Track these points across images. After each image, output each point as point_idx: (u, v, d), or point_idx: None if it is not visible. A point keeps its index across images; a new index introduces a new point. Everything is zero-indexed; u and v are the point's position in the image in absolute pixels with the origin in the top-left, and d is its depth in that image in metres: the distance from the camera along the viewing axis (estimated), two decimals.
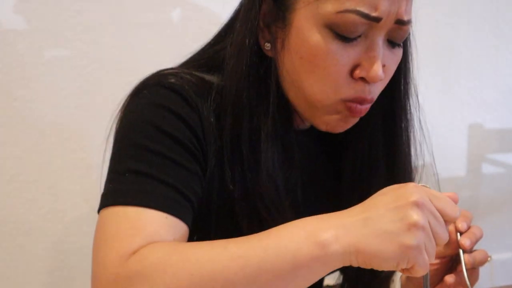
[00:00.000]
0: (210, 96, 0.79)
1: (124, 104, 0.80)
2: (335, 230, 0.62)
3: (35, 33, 1.33)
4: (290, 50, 0.76)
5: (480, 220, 1.99)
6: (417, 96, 0.92)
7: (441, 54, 1.87)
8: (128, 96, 0.80)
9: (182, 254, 0.64)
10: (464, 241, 0.79)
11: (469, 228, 0.82)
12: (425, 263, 0.61)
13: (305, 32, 0.74)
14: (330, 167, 0.93)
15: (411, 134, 0.91)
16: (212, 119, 0.78)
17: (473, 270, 0.81)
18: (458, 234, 0.80)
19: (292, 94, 0.79)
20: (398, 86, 0.87)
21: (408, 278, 0.89)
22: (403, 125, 0.89)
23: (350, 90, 0.75)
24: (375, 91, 0.77)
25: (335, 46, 0.73)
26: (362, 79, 0.75)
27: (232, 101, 0.78)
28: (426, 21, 1.82)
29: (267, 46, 0.78)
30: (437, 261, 0.84)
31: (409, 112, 0.90)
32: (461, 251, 0.80)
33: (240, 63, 0.78)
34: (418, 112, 0.91)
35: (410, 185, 0.64)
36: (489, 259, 0.82)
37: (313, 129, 0.87)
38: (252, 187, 0.78)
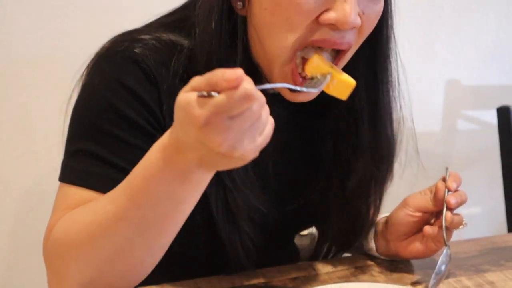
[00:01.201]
0: (178, 61, 0.78)
1: (87, 69, 0.80)
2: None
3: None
4: (255, 4, 0.74)
5: None
6: (399, 55, 0.90)
7: (422, 10, 1.86)
8: (91, 61, 0.79)
9: (77, 224, 0.69)
10: (451, 198, 0.82)
11: (457, 190, 0.83)
12: (250, 148, 0.57)
13: None
14: (306, 134, 0.91)
15: (393, 98, 0.89)
16: (177, 85, 0.76)
17: (448, 230, 0.83)
18: (446, 190, 0.83)
19: (256, 51, 0.78)
20: (380, 45, 0.84)
21: (381, 233, 0.90)
22: (385, 88, 0.87)
23: (314, 35, 0.72)
24: (349, 39, 0.73)
25: None
26: (331, 25, 0.71)
27: (202, 62, 0.76)
28: None
29: (239, 5, 0.75)
30: (419, 214, 0.86)
31: (390, 74, 0.87)
32: (445, 207, 0.82)
33: (210, 23, 0.76)
34: (398, 73, 0.89)
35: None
36: (462, 225, 0.85)
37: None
38: None
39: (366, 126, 0.86)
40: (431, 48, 1.90)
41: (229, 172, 0.77)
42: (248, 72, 0.73)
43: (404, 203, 0.87)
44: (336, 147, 0.88)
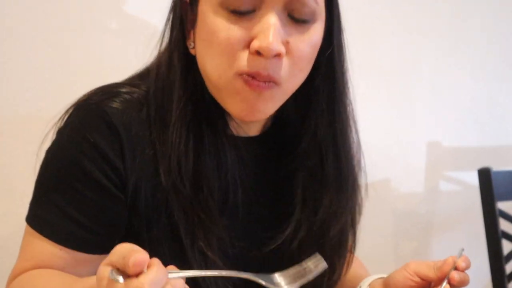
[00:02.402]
0: (141, 111, 0.83)
1: (64, 114, 0.85)
2: None
3: (2, 34, 1.31)
4: (198, 38, 0.80)
5: (435, 236, 2.03)
6: (352, 88, 0.94)
7: (402, 72, 1.90)
8: (70, 108, 0.84)
9: None
10: (455, 275, 0.82)
11: (463, 271, 0.83)
12: None
13: (205, 17, 0.77)
14: (276, 173, 0.93)
15: (352, 135, 0.93)
16: (140, 136, 0.82)
17: None
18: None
19: (208, 86, 0.82)
20: (335, 81, 0.88)
21: None
22: (344, 124, 0.90)
23: (244, 62, 0.76)
24: (276, 68, 0.76)
25: (228, 22, 0.75)
26: (259, 53, 0.74)
27: (161, 104, 0.82)
28: (388, 38, 1.86)
29: (191, 44, 0.82)
30: (418, 279, 0.86)
31: (347, 109, 0.91)
32: (445, 281, 0.81)
33: (166, 66, 0.83)
34: (353, 112, 0.93)
35: None
36: None
37: (262, 137, 0.91)
38: (177, 184, 0.81)
39: (330, 160, 0.89)
40: (412, 110, 1.94)
41: (190, 200, 0.80)
42: (206, 107, 0.82)
43: (406, 266, 0.88)
44: (304, 184, 0.90)
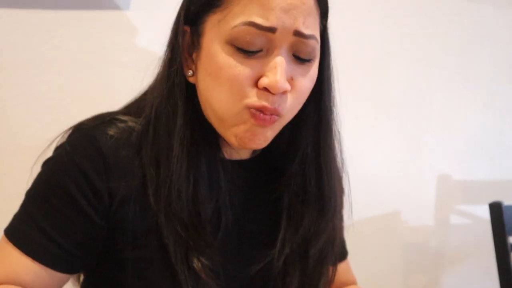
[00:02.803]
0: (132, 136, 0.86)
1: (60, 138, 0.88)
2: None
3: (12, 64, 1.32)
4: (202, 71, 0.83)
5: (446, 270, 2.01)
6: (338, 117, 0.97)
7: (411, 104, 1.90)
8: (65, 133, 0.88)
9: None
10: None
11: None
12: None
13: (212, 51, 0.81)
14: (269, 195, 0.96)
15: (337, 158, 0.97)
16: (131, 157, 0.85)
17: None
18: None
19: (210, 115, 0.85)
20: (323, 112, 0.92)
21: None
22: (330, 150, 0.94)
23: (253, 97, 0.80)
24: (281, 103, 0.81)
25: (237, 60, 0.79)
26: (267, 89, 0.79)
27: (159, 130, 0.85)
28: (397, 70, 1.86)
29: (190, 73, 0.85)
30: None
31: (333, 135, 0.95)
32: None
33: (162, 88, 0.86)
34: (339, 140, 0.97)
35: None
36: None
37: (252, 161, 0.95)
38: (172, 209, 0.83)
39: (313, 183, 0.93)
40: (421, 142, 1.93)
41: (183, 222, 0.83)
42: (202, 133, 0.85)
43: None
44: (289, 205, 0.94)
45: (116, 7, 1.39)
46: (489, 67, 2.03)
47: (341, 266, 1.10)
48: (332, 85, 0.93)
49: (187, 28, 0.85)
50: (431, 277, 1.99)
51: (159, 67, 0.90)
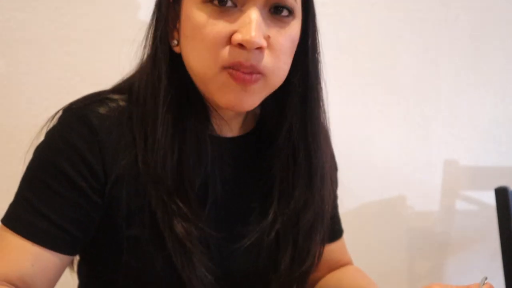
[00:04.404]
0: (124, 114, 0.87)
1: (51, 119, 0.88)
2: None
3: (20, 42, 1.33)
4: (182, 36, 0.83)
5: (451, 256, 2.01)
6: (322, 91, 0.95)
7: (420, 89, 1.89)
8: (56, 114, 0.88)
9: None
10: None
11: None
12: None
13: (189, 13, 0.81)
14: (259, 170, 0.96)
15: (326, 128, 0.97)
16: (124, 135, 0.85)
17: None
18: None
19: (195, 81, 0.85)
20: (309, 80, 0.91)
21: None
22: (318, 117, 0.94)
23: (227, 55, 0.79)
24: (258, 59, 0.80)
25: (212, 17, 0.79)
26: (241, 46, 0.78)
27: (146, 102, 0.85)
28: (407, 56, 1.86)
29: (174, 42, 0.85)
30: None
31: (320, 105, 0.94)
32: None
33: (149, 60, 0.86)
34: (325, 109, 0.96)
35: None
36: None
37: (243, 137, 0.95)
38: (157, 175, 0.84)
39: (301, 154, 0.93)
40: (429, 128, 1.93)
41: (169, 190, 0.84)
42: (191, 105, 0.86)
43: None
44: (280, 178, 0.94)
45: None
46: (500, 55, 2.02)
47: (337, 245, 1.10)
48: (318, 51, 0.91)
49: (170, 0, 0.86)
50: (436, 263, 1.99)
51: (145, 42, 0.89)
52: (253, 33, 0.77)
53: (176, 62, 0.85)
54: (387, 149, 1.86)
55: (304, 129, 0.92)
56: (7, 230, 0.82)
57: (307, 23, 0.87)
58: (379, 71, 1.81)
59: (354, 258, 1.16)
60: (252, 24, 0.77)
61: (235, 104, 0.83)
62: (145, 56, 0.89)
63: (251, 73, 0.80)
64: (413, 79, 1.87)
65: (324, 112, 0.95)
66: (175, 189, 0.84)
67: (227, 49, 0.79)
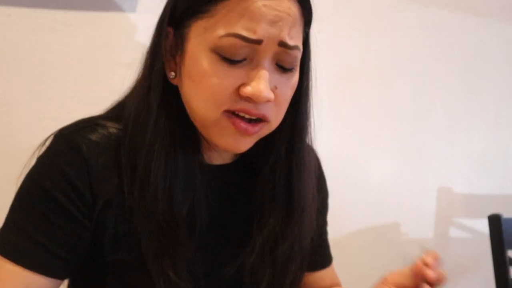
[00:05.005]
0: (112, 140, 0.87)
1: (43, 143, 0.88)
2: None
3: (19, 62, 1.34)
4: (185, 75, 0.83)
5: (445, 283, 2.00)
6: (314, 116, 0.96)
7: (415, 116, 1.91)
8: (47, 139, 0.88)
9: None
10: (430, 272, 0.84)
11: (435, 267, 0.86)
12: None
13: (195, 57, 0.81)
14: (244, 198, 0.96)
15: (309, 164, 0.97)
16: (111, 161, 0.85)
17: None
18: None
19: (193, 118, 0.86)
20: (299, 114, 0.92)
21: None
22: (302, 154, 0.94)
23: (232, 103, 0.80)
24: (264, 108, 0.82)
25: (220, 68, 0.79)
26: (249, 98, 0.79)
27: (137, 130, 0.85)
28: (402, 82, 1.87)
29: (172, 74, 0.85)
30: None
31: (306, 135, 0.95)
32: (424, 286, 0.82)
33: (142, 89, 0.86)
34: (312, 146, 0.97)
35: None
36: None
37: (231, 165, 0.95)
38: (146, 203, 0.84)
39: (282, 183, 0.93)
40: (424, 155, 1.94)
41: (157, 219, 0.84)
42: (186, 137, 0.86)
43: (383, 280, 0.91)
44: (261, 204, 0.95)
45: (123, 10, 1.40)
46: (493, 82, 2.04)
47: (327, 272, 1.10)
48: (310, 91, 0.92)
49: (171, 30, 0.85)
50: None
51: (140, 68, 0.90)
52: (262, 87, 0.79)
53: (170, 92, 0.86)
54: (382, 176, 1.87)
55: (288, 161, 0.93)
56: (1, 257, 0.82)
57: (304, 64, 0.89)
58: (375, 99, 1.83)
59: (347, 285, 1.16)
60: (262, 79, 0.79)
61: (233, 148, 0.84)
62: (139, 80, 0.90)
63: (255, 123, 0.82)
64: (408, 107, 1.89)
65: (311, 142, 0.96)
66: (164, 221, 0.84)
67: (233, 99, 0.80)
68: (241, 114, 0.81)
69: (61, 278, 0.85)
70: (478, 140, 2.02)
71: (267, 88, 0.79)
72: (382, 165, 1.86)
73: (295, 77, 0.86)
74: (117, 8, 1.40)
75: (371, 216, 1.86)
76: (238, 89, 0.80)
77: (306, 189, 0.96)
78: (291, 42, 0.81)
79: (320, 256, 1.08)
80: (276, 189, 0.93)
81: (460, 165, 2.00)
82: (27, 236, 0.82)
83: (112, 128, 0.88)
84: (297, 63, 0.84)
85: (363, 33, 1.77)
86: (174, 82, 0.86)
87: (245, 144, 0.84)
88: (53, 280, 0.83)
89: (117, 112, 0.92)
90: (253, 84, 0.79)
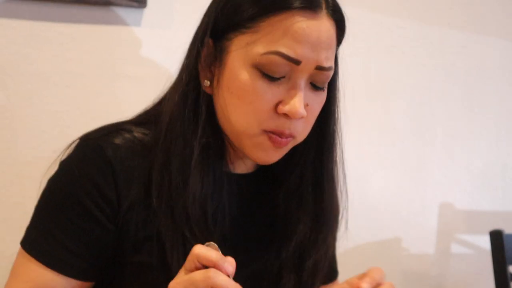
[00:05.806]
0: (138, 145, 0.90)
1: (67, 149, 0.91)
2: None
3: (23, 75, 1.35)
4: (223, 87, 0.86)
5: None
6: (340, 140, 1.01)
7: (415, 132, 1.91)
8: (71, 144, 0.91)
9: None
10: (363, 284, 0.80)
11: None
12: None
13: (236, 71, 0.84)
14: (266, 209, 0.99)
15: (336, 176, 1.01)
16: (137, 165, 0.88)
17: None
18: None
19: (226, 128, 0.89)
20: (327, 129, 0.96)
21: None
22: (330, 167, 0.98)
23: (272, 123, 0.84)
24: (296, 127, 0.86)
25: (261, 84, 0.83)
26: (285, 115, 0.84)
27: (166, 128, 0.88)
28: (403, 99, 1.87)
29: (206, 83, 0.88)
30: None
31: (335, 155, 0.99)
32: None
33: (179, 96, 0.88)
34: (342, 159, 1.02)
35: None
36: None
37: (254, 174, 0.98)
38: (178, 207, 0.86)
39: (310, 191, 0.96)
40: (425, 171, 1.93)
41: (188, 222, 0.86)
42: (216, 144, 0.89)
43: None
44: (286, 211, 0.97)
45: (127, 24, 1.42)
46: (494, 99, 2.04)
47: (333, 286, 1.11)
48: (338, 107, 0.97)
49: (210, 41, 0.88)
50: None
51: (177, 76, 0.92)
52: (298, 105, 0.83)
53: (204, 101, 0.89)
54: (382, 191, 1.87)
55: (316, 174, 0.97)
56: (31, 258, 0.86)
57: (333, 80, 0.93)
58: (375, 113, 1.83)
59: None
60: (298, 97, 0.83)
61: (264, 161, 0.88)
62: (173, 86, 0.92)
63: (287, 138, 0.86)
64: (409, 122, 1.89)
65: (342, 162, 1.01)
66: (196, 225, 0.87)
67: (272, 116, 0.84)
68: (277, 134, 0.85)
69: (92, 280, 0.89)
70: (479, 156, 2.02)
71: (302, 106, 0.83)
72: (383, 181, 1.86)
73: (324, 94, 0.90)
74: (122, 22, 1.41)
75: (372, 232, 1.86)
76: (276, 105, 0.84)
77: (333, 202, 0.99)
78: (327, 65, 0.85)
79: (331, 268, 1.10)
80: (303, 197, 0.96)
81: (461, 181, 2.00)
82: (53, 238, 0.85)
83: (138, 133, 0.91)
84: (328, 81, 0.89)
85: (363, 49, 1.78)
86: (208, 90, 0.88)
87: (275, 157, 0.88)
88: (73, 281, 0.86)
89: (144, 117, 0.95)
90: (291, 103, 0.83)
